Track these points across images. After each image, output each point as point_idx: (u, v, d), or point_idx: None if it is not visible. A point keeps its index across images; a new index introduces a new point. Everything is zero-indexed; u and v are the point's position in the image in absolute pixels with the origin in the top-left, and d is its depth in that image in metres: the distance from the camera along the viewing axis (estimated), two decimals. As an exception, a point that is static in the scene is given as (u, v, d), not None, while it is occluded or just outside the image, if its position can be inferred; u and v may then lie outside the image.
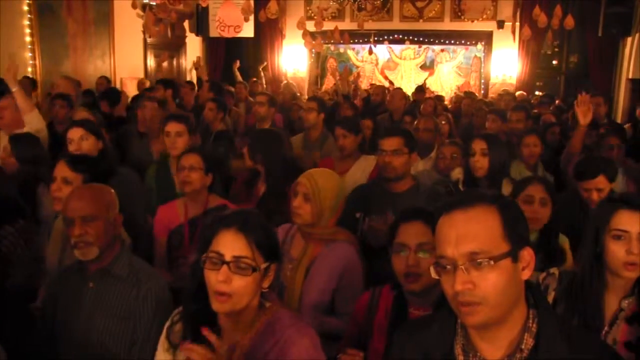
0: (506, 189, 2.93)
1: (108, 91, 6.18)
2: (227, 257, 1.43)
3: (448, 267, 1.19)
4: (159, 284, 2.04)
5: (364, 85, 10.59)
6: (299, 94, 9.01)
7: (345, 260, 2.28)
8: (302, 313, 2.20)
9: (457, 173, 3.32)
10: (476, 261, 1.16)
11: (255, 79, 9.34)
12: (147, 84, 7.55)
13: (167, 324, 1.65)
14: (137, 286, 1.99)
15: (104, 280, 2.02)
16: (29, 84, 6.20)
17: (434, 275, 1.22)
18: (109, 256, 2.04)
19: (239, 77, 8.83)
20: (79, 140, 3.10)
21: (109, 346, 1.97)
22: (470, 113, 6.60)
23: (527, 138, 3.91)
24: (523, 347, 1.20)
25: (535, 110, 6.51)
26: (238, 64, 9.25)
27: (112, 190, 2.15)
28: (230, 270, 1.43)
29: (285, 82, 8.82)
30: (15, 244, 2.60)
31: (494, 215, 1.19)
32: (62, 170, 2.53)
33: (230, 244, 1.44)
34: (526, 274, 1.22)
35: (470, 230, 1.18)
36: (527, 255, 1.21)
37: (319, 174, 2.37)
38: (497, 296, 1.16)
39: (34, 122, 3.80)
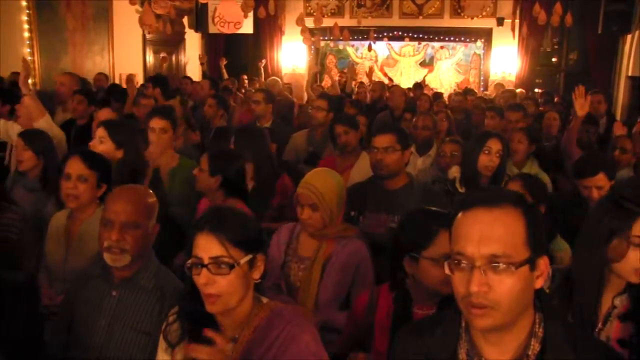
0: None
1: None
2: (205, 260, 1.44)
3: (464, 264, 1.16)
4: None
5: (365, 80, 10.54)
6: (285, 90, 8.88)
7: (358, 255, 2.31)
8: (318, 311, 2.21)
9: (454, 171, 3.30)
10: (496, 264, 1.13)
11: (246, 77, 9.24)
12: (135, 79, 7.39)
13: (164, 324, 1.64)
14: (161, 301, 1.88)
15: (128, 290, 1.92)
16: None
17: (446, 270, 1.19)
18: (136, 265, 1.93)
19: (226, 75, 8.82)
20: (97, 141, 2.96)
21: (126, 358, 1.87)
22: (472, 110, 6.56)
23: (513, 134, 3.87)
24: (529, 352, 1.19)
25: (541, 108, 6.49)
26: (225, 61, 9.22)
27: (155, 196, 2.01)
28: (211, 272, 1.44)
29: (271, 78, 8.54)
30: (22, 231, 2.54)
31: (519, 219, 1.16)
32: (77, 167, 2.38)
33: (206, 246, 1.45)
34: (539, 283, 1.19)
35: (495, 232, 1.14)
36: (543, 264, 1.19)
37: (316, 179, 2.30)
38: (511, 302, 1.14)
39: (44, 129, 3.65)
